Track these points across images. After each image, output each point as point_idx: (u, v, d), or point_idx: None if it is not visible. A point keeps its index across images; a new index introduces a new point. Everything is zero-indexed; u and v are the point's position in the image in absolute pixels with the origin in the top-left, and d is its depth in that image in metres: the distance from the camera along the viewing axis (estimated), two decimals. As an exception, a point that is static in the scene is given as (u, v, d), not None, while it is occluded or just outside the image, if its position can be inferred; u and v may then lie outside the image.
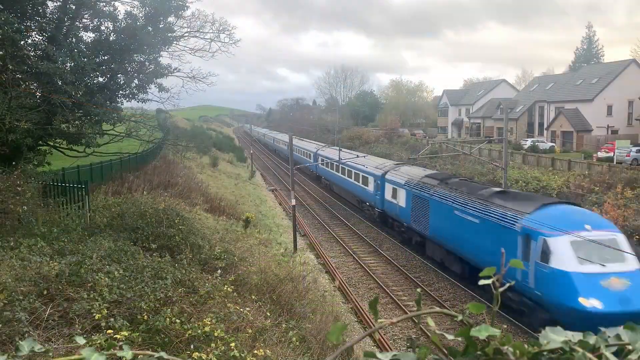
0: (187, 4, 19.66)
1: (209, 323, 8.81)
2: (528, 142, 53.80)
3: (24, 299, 8.13)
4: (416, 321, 1.29)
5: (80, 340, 1.30)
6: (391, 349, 14.88)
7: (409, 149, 61.60)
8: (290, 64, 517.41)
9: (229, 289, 11.49)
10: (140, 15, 19.25)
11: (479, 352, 1.13)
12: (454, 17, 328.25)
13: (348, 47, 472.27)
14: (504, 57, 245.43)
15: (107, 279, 9.57)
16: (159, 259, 12.19)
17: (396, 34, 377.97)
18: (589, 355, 1.05)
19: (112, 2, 19.21)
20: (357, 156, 36.48)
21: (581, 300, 14.13)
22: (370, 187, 32.25)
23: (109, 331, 7.86)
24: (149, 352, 1.15)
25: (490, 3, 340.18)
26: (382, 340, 15.53)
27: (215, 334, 8.56)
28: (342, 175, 39.50)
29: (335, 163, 40.76)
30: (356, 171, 35.29)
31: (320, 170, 48.44)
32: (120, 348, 1.15)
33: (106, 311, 8.43)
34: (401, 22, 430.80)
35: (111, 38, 19.39)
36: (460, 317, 1.27)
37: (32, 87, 17.64)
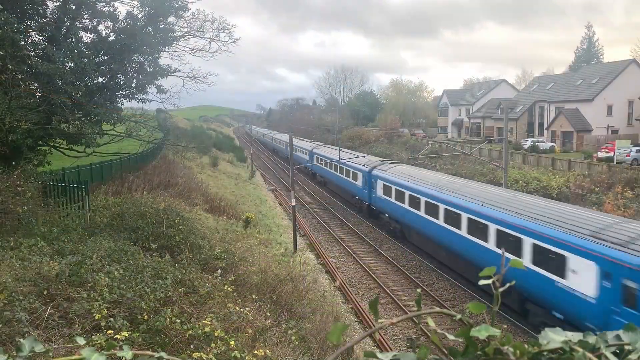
0: (187, 5, 19.72)
1: (209, 323, 8.82)
2: (528, 142, 53.83)
3: (24, 299, 8.13)
4: (416, 321, 1.29)
5: (80, 341, 1.30)
6: (391, 349, 14.88)
7: (409, 149, 61.86)
8: (290, 64, 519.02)
9: (229, 289, 11.51)
10: (141, 15, 19.29)
11: (479, 352, 1.13)
12: (453, 17, 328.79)
13: (347, 47, 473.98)
14: (503, 57, 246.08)
15: (107, 279, 9.57)
16: (159, 259, 12.20)
17: (395, 34, 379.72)
18: (589, 355, 1.05)
19: (112, 3, 19.25)
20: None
21: None
22: (583, 287, 13.89)
23: (109, 331, 7.86)
24: (149, 352, 1.15)
25: (489, 3, 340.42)
26: (382, 340, 15.53)
27: (215, 334, 8.57)
28: (457, 231, 20.73)
29: (425, 199, 23.57)
30: (514, 232, 16.92)
31: (380, 203, 30.03)
32: (121, 348, 1.15)
33: (106, 311, 8.43)
34: (400, 22, 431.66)
35: (111, 38, 19.41)
36: (459, 317, 1.27)
37: (32, 87, 17.65)
